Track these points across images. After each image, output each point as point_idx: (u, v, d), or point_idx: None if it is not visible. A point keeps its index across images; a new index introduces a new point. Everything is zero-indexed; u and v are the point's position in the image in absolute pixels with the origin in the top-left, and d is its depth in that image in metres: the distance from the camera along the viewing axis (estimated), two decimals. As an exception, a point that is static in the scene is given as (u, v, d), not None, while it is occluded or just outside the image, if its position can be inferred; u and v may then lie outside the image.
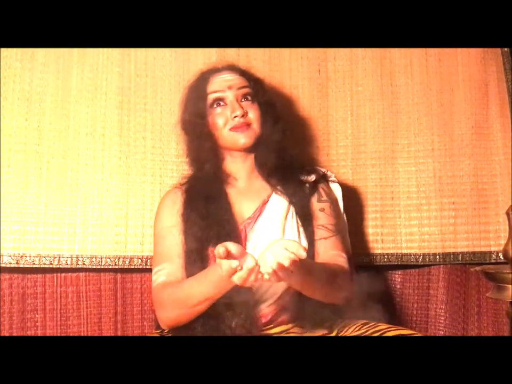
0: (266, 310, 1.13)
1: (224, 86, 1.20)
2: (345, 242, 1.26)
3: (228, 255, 0.86)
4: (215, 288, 1.00)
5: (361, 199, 1.51)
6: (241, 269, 0.86)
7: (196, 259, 1.10)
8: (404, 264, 1.49)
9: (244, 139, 1.17)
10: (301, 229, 1.16)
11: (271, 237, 1.11)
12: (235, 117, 1.16)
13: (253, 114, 1.19)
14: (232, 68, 1.25)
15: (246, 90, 1.20)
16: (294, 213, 1.17)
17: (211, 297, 1.02)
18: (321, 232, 1.17)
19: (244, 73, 1.24)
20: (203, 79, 1.24)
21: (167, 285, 1.10)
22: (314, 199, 1.21)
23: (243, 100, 1.20)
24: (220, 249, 0.86)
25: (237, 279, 0.87)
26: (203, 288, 1.02)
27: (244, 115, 1.17)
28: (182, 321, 1.09)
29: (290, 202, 1.18)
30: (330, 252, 1.15)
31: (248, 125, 1.17)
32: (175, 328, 1.12)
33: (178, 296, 1.07)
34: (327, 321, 1.13)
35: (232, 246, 0.87)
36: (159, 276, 1.13)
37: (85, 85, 1.41)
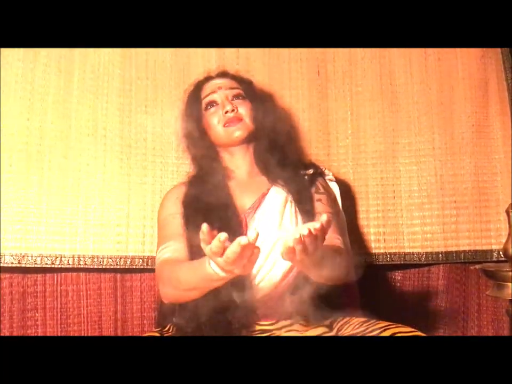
0: (265, 295, 1.13)
1: (215, 88, 1.26)
2: (345, 238, 1.26)
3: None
4: (202, 281, 0.99)
5: (362, 199, 1.51)
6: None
7: (198, 244, 1.11)
8: (407, 263, 1.49)
9: (237, 132, 1.21)
10: (299, 216, 1.18)
11: (270, 225, 1.15)
12: (226, 112, 1.21)
13: (244, 109, 1.24)
14: (223, 74, 1.32)
15: (236, 90, 1.26)
16: (293, 202, 1.19)
17: (200, 288, 1.02)
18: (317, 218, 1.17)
19: (233, 77, 1.31)
20: (197, 87, 1.31)
21: (169, 261, 1.11)
22: (312, 191, 1.24)
23: (234, 99, 1.25)
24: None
25: (229, 253, 0.83)
26: (192, 279, 1.02)
27: (235, 110, 1.22)
28: (181, 299, 1.10)
29: (289, 193, 1.20)
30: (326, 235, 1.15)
31: (239, 119, 1.22)
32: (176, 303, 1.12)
33: (173, 277, 1.07)
34: (327, 317, 1.14)
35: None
36: (164, 253, 1.14)
37: (86, 86, 1.42)
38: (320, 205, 1.20)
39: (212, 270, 0.93)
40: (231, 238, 1.09)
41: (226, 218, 1.13)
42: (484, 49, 1.51)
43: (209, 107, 1.25)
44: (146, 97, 1.47)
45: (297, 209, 1.18)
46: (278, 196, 1.19)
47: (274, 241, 1.14)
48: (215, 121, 1.23)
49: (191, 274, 1.02)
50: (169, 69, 1.50)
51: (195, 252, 1.09)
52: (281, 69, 1.54)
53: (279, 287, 1.14)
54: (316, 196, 1.22)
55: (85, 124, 1.41)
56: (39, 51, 1.38)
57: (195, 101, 1.28)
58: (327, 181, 1.31)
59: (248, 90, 1.29)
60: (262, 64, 1.54)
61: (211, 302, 1.08)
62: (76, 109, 1.41)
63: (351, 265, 1.14)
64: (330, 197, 1.26)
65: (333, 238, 1.16)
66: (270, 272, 1.13)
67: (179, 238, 1.15)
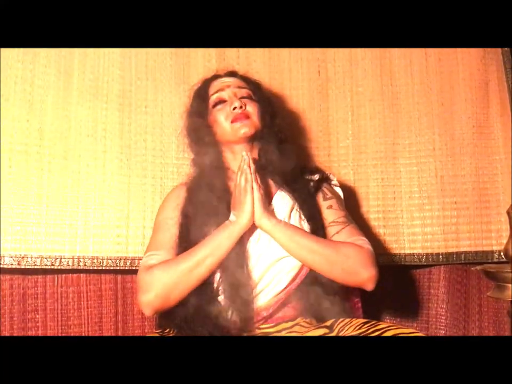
0: (267, 303, 1.13)
1: (223, 86, 1.26)
2: None
3: None
4: (225, 236, 1.08)
5: (363, 200, 1.51)
6: None
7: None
8: (407, 264, 1.49)
9: (244, 128, 1.20)
10: (305, 225, 1.16)
11: None
12: (234, 108, 1.20)
13: (252, 108, 1.23)
14: (232, 74, 1.32)
15: (245, 89, 1.26)
16: (299, 209, 1.18)
17: (218, 251, 1.07)
18: (333, 228, 1.18)
19: (242, 77, 1.31)
20: (205, 84, 1.30)
21: (157, 264, 1.11)
22: (320, 199, 1.23)
23: (242, 98, 1.24)
24: None
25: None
26: (211, 242, 1.08)
27: (243, 107, 1.21)
28: (169, 300, 1.09)
29: (295, 199, 1.19)
30: (347, 240, 1.15)
31: (247, 116, 1.20)
32: (159, 312, 1.12)
33: (178, 263, 1.09)
34: (329, 318, 1.13)
35: None
36: (151, 259, 1.13)
37: (86, 87, 1.42)
38: (332, 212, 1.20)
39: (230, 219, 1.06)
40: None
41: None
42: (485, 50, 1.51)
43: (217, 104, 1.24)
44: (146, 98, 1.46)
45: (302, 216, 1.17)
46: (284, 202, 1.18)
47: (278, 255, 1.12)
48: (223, 118, 1.21)
49: (210, 239, 1.09)
50: (169, 69, 1.49)
51: None
52: (282, 69, 1.54)
53: (280, 296, 1.13)
54: (326, 203, 1.21)
55: (85, 124, 1.40)
56: (38, 52, 1.37)
57: (202, 98, 1.27)
58: (332, 186, 1.30)
59: (256, 91, 1.28)
60: (262, 64, 1.54)
61: (211, 306, 1.08)
62: (76, 110, 1.40)
63: (375, 266, 1.11)
64: (339, 201, 1.26)
65: (355, 240, 1.15)
66: (271, 282, 1.12)
67: (169, 249, 1.14)
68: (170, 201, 1.24)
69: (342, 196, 1.31)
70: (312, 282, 1.11)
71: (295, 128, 1.50)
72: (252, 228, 1.14)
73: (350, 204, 1.46)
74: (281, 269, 1.12)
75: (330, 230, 1.17)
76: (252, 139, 1.22)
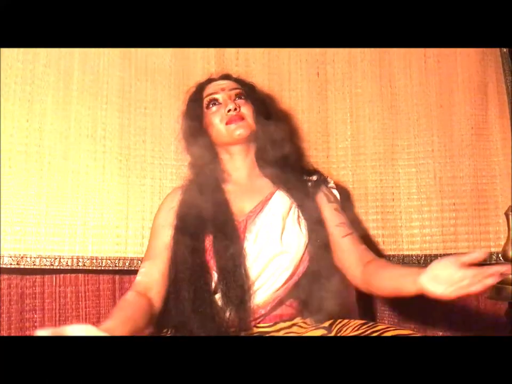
0: (265, 301, 1.14)
1: (217, 88, 1.28)
2: None
3: None
4: None
5: (361, 201, 1.51)
6: None
7: (187, 252, 1.13)
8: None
9: (239, 130, 1.21)
10: (303, 223, 1.17)
11: (272, 230, 1.15)
12: (229, 110, 1.22)
13: (246, 109, 1.25)
14: (226, 77, 1.34)
15: (239, 91, 1.28)
16: (296, 209, 1.19)
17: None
18: (343, 229, 1.20)
19: (236, 80, 1.33)
20: (199, 88, 1.32)
21: (136, 288, 1.14)
22: (322, 200, 1.24)
23: (236, 99, 1.26)
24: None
25: None
26: None
27: (237, 109, 1.23)
28: None
29: (293, 199, 1.20)
30: (359, 246, 1.19)
31: (242, 118, 1.22)
32: None
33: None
34: (328, 317, 1.13)
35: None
36: (139, 273, 1.18)
37: (86, 87, 1.42)
38: (339, 215, 1.22)
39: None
40: (226, 244, 1.10)
41: (220, 224, 1.14)
42: (484, 52, 1.50)
43: (211, 105, 1.25)
44: (146, 99, 1.47)
45: (300, 215, 1.19)
46: (283, 201, 1.20)
47: (276, 252, 1.14)
48: (217, 120, 1.23)
49: None
50: (169, 70, 1.50)
51: (182, 266, 1.12)
52: (281, 70, 1.55)
53: (278, 293, 1.14)
54: (332, 205, 1.23)
55: (84, 125, 1.40)
56: (38, 52, 1.38)
57: (197, 101, 1.28)
58: (330, 189, 1.31)
59: (250, 92, 1.30)
60: (261, 65, 1.54)
61: (208, 305, 1.08)
62: (75, 110, 1.40)
63: None
64: (340, 207, 1.27)
65: (365, 250, 1.19)
66: (269, 280, 1.13)
67: (159, 257, 1.17)
68: (165, 204, 1.26)
69: (338, 200, 1.32)
70: (310, 280, 1.12)
71: (294, 129, 1.51)
72: (249, 226, 1.15)
73: (349, 204, 1.46)
74: (279, 265, 1.13)
75: (341, 230, 1.19)
76: (247, 140, 1.23)
